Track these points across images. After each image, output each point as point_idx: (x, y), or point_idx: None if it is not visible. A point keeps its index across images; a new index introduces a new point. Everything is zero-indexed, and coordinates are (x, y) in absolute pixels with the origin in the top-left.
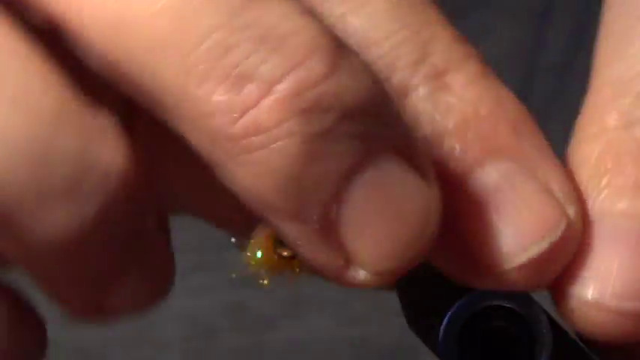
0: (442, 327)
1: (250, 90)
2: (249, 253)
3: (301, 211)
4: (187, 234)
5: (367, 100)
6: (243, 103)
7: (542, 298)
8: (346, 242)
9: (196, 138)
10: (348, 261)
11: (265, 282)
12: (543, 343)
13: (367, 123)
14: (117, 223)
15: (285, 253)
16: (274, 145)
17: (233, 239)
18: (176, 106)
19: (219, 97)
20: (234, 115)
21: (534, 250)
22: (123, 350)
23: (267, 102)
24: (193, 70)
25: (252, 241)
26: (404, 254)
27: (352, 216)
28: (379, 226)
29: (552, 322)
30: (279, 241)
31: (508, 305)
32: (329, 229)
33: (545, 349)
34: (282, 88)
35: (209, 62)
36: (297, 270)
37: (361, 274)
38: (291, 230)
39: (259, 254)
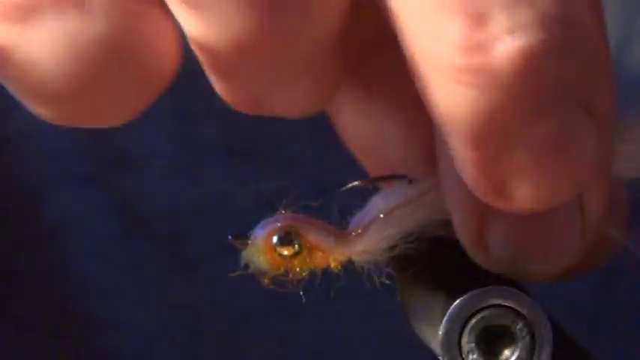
0: (442, 326)
1: (492, 30)
2: (249, 252)
3: (482, 145)
4: (223, 221)
5: (586, 79)
6: (479, 39)
7: (543, 298)
8: (508, 177)
9: (417, 49)
10: (501, 190)
11: (266, 281)
12: (543, 343)
13: (576, 92)
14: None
15: (285, 252)
16: (487, 91)
17: (232, 239)
18: (412, 29)
19: (458, 24)
20: (465, 46)
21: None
22: (161, 337)
23: (502, 48)
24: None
25: (252, 240)
26: (552, 202)
27: (526, 157)
28: (545, 171)
29: (552, 322)
30: (279, 240)
31: (508, 305)
32: (499, 162)
33: (545, 349)
34: (521, 42)
35: None
36: (298, 269)
37: (504, 204)
38: (460, 153)
39: (260, 253)
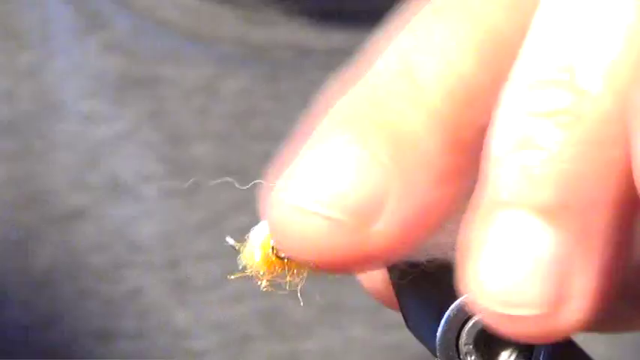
0: (440, 327)
1: None
2: (247, 255)
3: None
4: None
5: None
6: None
7: None
8: None
9: None
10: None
11: (264, 284)
12: (541, 344)
13: None
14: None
15: (283, 255)
16: None
17: (230, 241)
18: None
19: None
20: None
21: None
22: None
23: None
24: None
25: (250, 242)
26: None
27: None
28: None
29: None
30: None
31: None
32: None
33: (545, 348)
34: None
35: None
36: (296, 272)
37: None
38: None
39: (257, 256)
